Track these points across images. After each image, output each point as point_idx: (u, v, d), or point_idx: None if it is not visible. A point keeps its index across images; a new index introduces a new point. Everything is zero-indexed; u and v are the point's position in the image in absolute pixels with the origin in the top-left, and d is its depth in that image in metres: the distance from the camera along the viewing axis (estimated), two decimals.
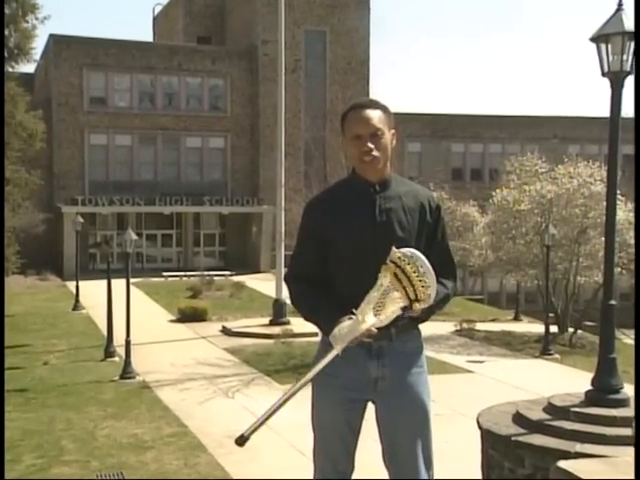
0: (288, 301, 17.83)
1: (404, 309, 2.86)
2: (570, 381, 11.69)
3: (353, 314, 2.84)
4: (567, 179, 18.48)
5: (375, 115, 3.08)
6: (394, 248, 2.85)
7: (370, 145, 3.05)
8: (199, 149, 37.78)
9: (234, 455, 7.86)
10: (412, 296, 2.83)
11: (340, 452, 3.21)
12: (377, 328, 2.83)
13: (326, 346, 3.08)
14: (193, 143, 37.56)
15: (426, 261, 2.85)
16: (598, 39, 6.14)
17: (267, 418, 2.62)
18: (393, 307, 2.83)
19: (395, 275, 2.83)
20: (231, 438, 9.46)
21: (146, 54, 36.64)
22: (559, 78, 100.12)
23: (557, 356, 15.28)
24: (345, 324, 2.82)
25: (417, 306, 2.86)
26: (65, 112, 35.26)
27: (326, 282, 3.12)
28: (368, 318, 2.80)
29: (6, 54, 20.61)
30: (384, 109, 3.13)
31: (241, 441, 2.60)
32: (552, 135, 40.63)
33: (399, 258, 2.83)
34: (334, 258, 3.11)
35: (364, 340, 3.03)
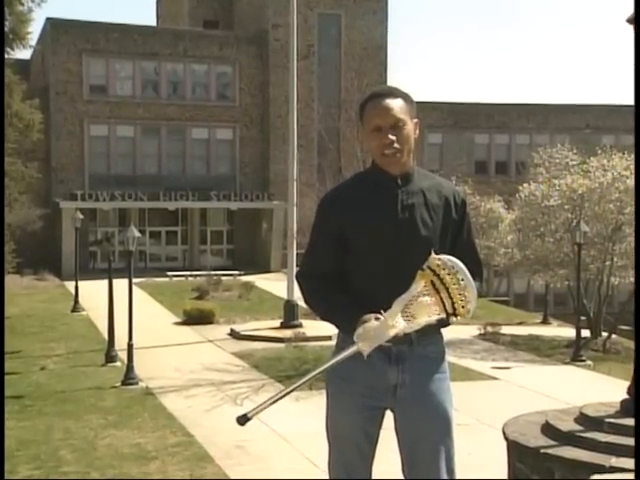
0: (300, 302, 17.84)
1: (439, 321, 2.85)
2: (604, 389, 11.62)
3: (380, 314, 2.81)
4: (600, 172, 18.36)
5: (396, 104, 3.06)
6: (433, 254, 2.81)
7: (391, 137, 3.03)
8: (206, 141, 37.87)
9: (243, 466, 7.88)
10: (450, 310, 2.80)
11: (357, 463, 3.20)
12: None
13: (341, 350, 3.06)
14: (199, 134, 37.64)
15: (468, 274, 2.80)
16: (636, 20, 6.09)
17: (276, 400, 2.63)
18: (427, 317, 2.80)
19: (432, 284, 2.79)
20: (240, 448, 9.49)
21: (149, 39, 36.75)
22: (592, 63, 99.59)
23: (589, 362, 15.19)
24: (372, 325, 2.79)
25: (453, 320, 2.84)
26: (63, 101, 35.44)
27: (342, 281, 3.11)
28: (398, 323, 2.78)
29: None
30: (405, 97, 3.11)
31: (243, 420, 2.60)
32: (584, 125, 40.41)
33: (438, 266, 2.79)
34: (352, 257, 3.10)
35: (383, 345, 3.02)
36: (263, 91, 37.83)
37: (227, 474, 7.84)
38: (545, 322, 22.50)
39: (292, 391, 2.65)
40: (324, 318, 3.13)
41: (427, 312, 2.80)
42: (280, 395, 2.64)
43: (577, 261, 16.17)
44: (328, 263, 3.12)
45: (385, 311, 2.80)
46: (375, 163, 3.16)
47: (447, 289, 2.78)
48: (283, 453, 8.15)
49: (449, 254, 3.12)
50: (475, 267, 3.20)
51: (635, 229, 6.75)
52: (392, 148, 3.04)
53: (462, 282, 2.79)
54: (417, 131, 3.14)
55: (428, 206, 3.11)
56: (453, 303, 2.79)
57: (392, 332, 2.77)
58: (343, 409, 3.17)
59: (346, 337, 3.09)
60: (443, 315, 2.81)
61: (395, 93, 3.11)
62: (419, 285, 2.79)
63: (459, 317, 2.83)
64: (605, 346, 17.30)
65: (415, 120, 3.13)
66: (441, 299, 2.79)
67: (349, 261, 3.11)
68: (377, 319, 2.80)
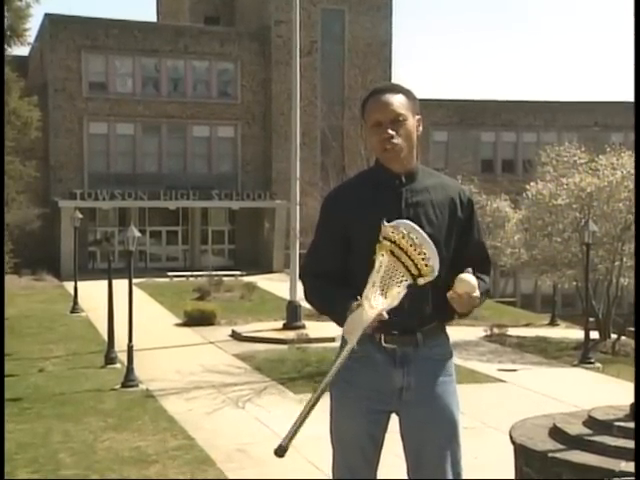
0: (303, 303, 17.86)
1: (409, 287, 2.85)
2: (613, 392, 11.60)
3: (357, 299, 2.83)
4: (609, 171, 18.34)
5: (396, 100, 3.07)
6: (384, 222, 2.84)
7: (391, 132, 3.03)
8: (207, 139, 37.89)
9: (244, 470, 7.88)
10: (414, 272, 2.82)
11: (361, 467, 3.20)
12: (391, 333, 2.82)
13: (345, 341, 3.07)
14: (200, 132, 37.67)
15: (420, 231, 2.83)
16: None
17: (300, 424, 2.64)
18: (398, 288, 2.82)
19: (392, 253, 2.81)
20: (242, 452, 9.51)
21: (149, 36, 36.78)
22: (601, 60, 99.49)
23: (598, 365, 15.17)
24: (354, 315, 2.80)
25: (421, 281, 2.85)
26: (62, 98, 35.47)
27: (345, 279, 3.11)
28: (376, 302, 2.78)
29: None
30: (407, 93, 3.12)
31: (281, 452, 2.61)
32: (593, 122, 40.35)
33: (392, 233, 2.82)
34: (355, 256, 3.10)
35: (387, 346, 3.02)
36: (265, 88, 37.84)
37: (229, 478, 7.84)
38: (553, 323, 22.47)
39: (312, 409, 2.67)
40: (322, 312, 3.15)
41: (396, 282, 2.81)
42: (305, 412, 2.65)
43: (585, 261, 16.14)
44: (331, 262, 3.13)
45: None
46: (378, 161, 3.17)
47: (405, 252, 2.81)
48: (286, 457, 8.14)
49: (457, 253, 3.13)
50: (484, 266, 3.21)
51: (635, 229, 6.79)
52: (392, 143, 3.04)
53: (417, 240, 2.81)
54: (420, 128, 3.15)
55: (433, 204, 3.11)
56: (416, 264, 2.81)
57: (372, 313, 2.77)
58: (347, 413, 3.16)
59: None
60: (410, 280, 2.81)
61: (396, 89, 3.13)
62: (383, 259, 2.80)
63: (426, 277, 2.83)
64: (614, 348, 17.27)
65: (418, 117, 3.13)
66: (403, 264, 2.81)
67: (353, 260, 3.11)
68: (359, 304, 2.81)
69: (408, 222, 2.84)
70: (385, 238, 2.82)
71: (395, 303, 2.82)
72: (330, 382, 2.76)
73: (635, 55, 5.82)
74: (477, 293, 2.92)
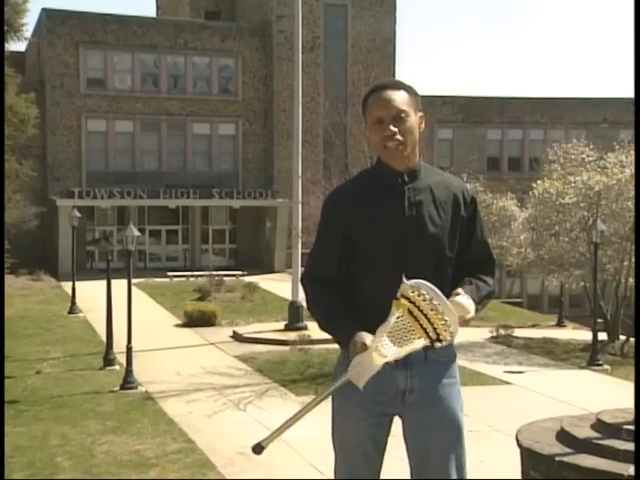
0: (305, 304, 17.83)
1: (425, 348, 2.85)
2: (622, 395, 11.56)
3: (371, 335, 2.82)
4: (618, 168, 18.30)
5: (398, 96, 3.07)
6: (405, 280, 2.79)
7: (392, 128, 3.03)
8: (207, 136, 37.89)
9: (246, 474, 7.89)
10: (433, 336, 2.80)
11: (363, 471, 3.20)
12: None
13: (347, 359, 3.07)
14: (201, 130, 37.67)
15: (443, 297, 2.79)
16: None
17: (284, 429, 2.64)
18: (412, 345, 2.81)
19: (410, 313, 2.79)
20: (243, 455, 9.52)
21: (149, 31, 36.78)
22: (609, 55, 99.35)
23: (606, 367, 15.15)
24: (363, 358, 2.80)
25: (438, 345, 2.83)
26: (60, 95, 35.49)
27: (348, 284, 3.11)
28: (385, 350, 2.78)
29: None
30: (408, 89, 3.13)
31: (259, 449, 2.61)
32: (601, 119, 40.30)
33: (412, 293, 2.78)
34: (358, 256, 3.10)
35: None
36: (267, 85, 37.83)
37: None
38: (560, 325, 22.44)
39: (301, 417, 2.68)
40: (323, 329, 3.14)
41: (411, 338, 2.80)
42: (290, 422, 2.66)
43: (594, 261, 16.12)
44: (333, 264, 3.12)
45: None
46: (380, 159, 3.17)
47: (425, 315, 2.78)
48: (287, 460, 8.15)
49: (460, 253, 3.13)
50: (488, 266, 3.21)
51: (635, 229, 6.78)
52: (394, 140, 3.04)
53: (440, 307, 2.78)
54: (423, 125, 3.15)
55: (436, 203, 3.11)
56: (435, 329, 2.79)
57: (381, 362, 2.78)
58: (349, 415, 3.17)
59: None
60: (427, 342, 2.81)
61: (398, 85, 3.13)
62: (397, 313, 2.79)
63: (443, 342, 2.82)
64: (623, 350, 17.24)
65: (420, 114, 3.13)
66: (421, 326, 2.79)
67: (355, 261, 3.11)
68: (363, 347, 2.80)
69: (430, 285, 2.79)
70: (404, 296, 2.79)
71: (404, 355, 2.82)
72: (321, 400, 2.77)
73: (635, 55, 5.82)
74: (471, 315, 2.91)
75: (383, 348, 2.78)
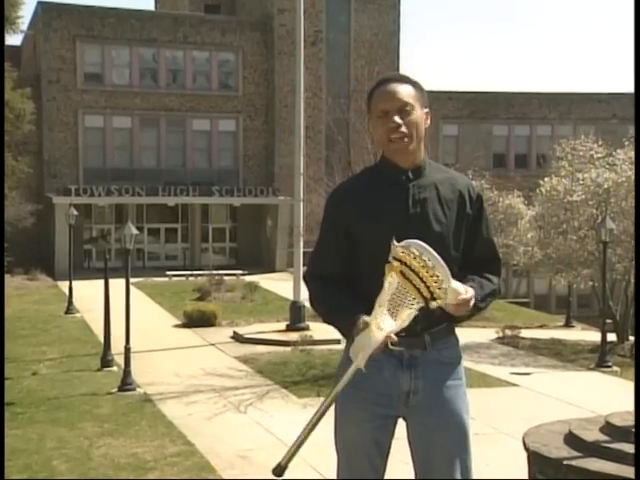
0: (307, 304, 17.85)
1: (420, 310, 2.85)
2: (631, 397, 11.56)
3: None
4: (628, 165, 18.28)
5: (403, 89, 3.08)
6: (394, 242, 2.82)
7: (397, 120, 3.03)
8: (207, 132, 37.91)
9: (246, 477, 7.88)
10: (426, 294, 2.82)
11: (367, 475, 3.20)
12: (398, 334, 2.82)
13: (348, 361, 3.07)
14: (200, 126, 37.69)
15: (433, 251, 2.81)
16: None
17: (302, 441, 2.64)
18: (408, 310, 2.82)
19: (402, 274, 2.81)
20: (243, 458, 9.51)
21: (147, 25, 36.81)
22: (619, 50, 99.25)
23: (616, 368, 15.14)
24: (361, 336, 2.80)
25: (434, 304, 2.84)
26: (56, 90, 35.52)
27: (351, 282, 3.12)
28: (385, 324, 2.78)
29: None
30: (415, 84, 3.14)
31: (279, 471, 2.62)
32: (610, 115, 40.25)
33: (403, 253, 2.81)
34: (361, 255, 3.11)
35: (393, 348, 3.02)
36: (268, 80, 37.84)
37: None
38: (568, 325, 22.43)
39: (315, 425, 2.67)
40: (326, 321, 3.15)
41: (407, 304, 2.81)
42: (306, 432, 2.65)
43: (602, 260, 16.11)
44: (337, 263, 3.13)
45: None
46: (385, 156, 3.17)
47: (417, 274, 2.80)
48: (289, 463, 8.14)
49: (465, 251, 3.13)
50: (493, 265, 3.21)
51: (635, 229, 6.79)
52: (399, 133, 3.04)
53: (429, 262, 2.80)
54: (428, 121, 3.15)
55: (441, 201, 3.12)
56: (428, 287, 2.80)
57: (381, 335, 2.77)
58: (352, 418, 3.17)
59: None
60: (422, 302, 2.81)
61: (403, 79, 3.14)
62: (390, 279, 2.80)
63: (438, 300, 2.83)
64: (632, 351, 17.24)
65: (426, 110, 3.14)
66: (414, 286, 2.80)
67: (358, 260, 3.11)
68: (365, 324, 2.80)
69: (419, 242, 2.82)
70: (395, 258, 2.81)
71: (404, 325, 2.82)
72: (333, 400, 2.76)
73: (635, 53, 5.81)
74: (467, 296, 2.89)
75: (382, 322, 2.79)
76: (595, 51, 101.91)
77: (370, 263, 3.08)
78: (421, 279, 2.80)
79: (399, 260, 2.81)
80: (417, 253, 2.80)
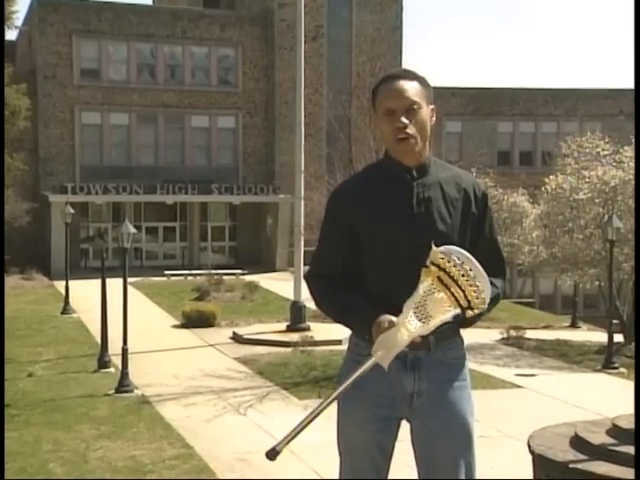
0: (308, 304, 17.86)
1: (455, 317, 2.86)
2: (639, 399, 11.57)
3: (395, 316, 2.82)
4: (635, 162, 18.28)
5: (411, 86, 3.07)
6: (434, 247, 2.82)
7: (405, 120, 3.03)
8: (206, 129, 37.91)
9: None
10: (464, 303, 2.82)
11: (369, 477, 3.20)
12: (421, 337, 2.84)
13: (355, 355, 3.07)
14: (199, 122, 37.69)
15: (475, 261, 2.82)
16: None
17: (300, 430, 2.62)
18: (441, 316, 2.82)
19: (440, 280, 2.80)
20: (243, 461, 9.51)
21: (145, 19, 36.81)
22: (625, 45, 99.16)
23: (623, 370, 15.14)
24: (387, 334, 2.80)
25: (470, 313, 2.85)
26: (52, 86, 35.53)
27: (354, 281, 3.12)
28: (411, 325, 2.79)
29: None
30: (421, 80, 3.12)
31: (273, 455, 2.60)
32: (617, 111, 40.23)
33: (442, 259, 2.80)
34: (364, 255, 3.10)
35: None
36: (268, 76, 37.83)
37: None
38: (574, 326, 22.44)
39: (317, 415, 2.66)
40: (337, 320, 3.15)
41: (441, 309, 2.82)
42: (306, 422, 2.64)
43: (609, 259, 16.11)
44: (339, 262, 3.13)
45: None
46: (388, 154, 3.17)
47: (456, 282, 2.80)
48: (290, 466, 8.15)
49: (469, 251, 3.13)
50: (497, 265, 3.20)
51: (635, 228, 6.79)
52: (405, 133, 3.03)
53: (471, 272, 2.80)
54: (434, 118, 3.15)
55: (446, 199, 3.12)
56: (466, 296, 2.81)
57: (409, 337, 2.78)
58: (355, 419, 3.17)
59: (359, 341, 3.10)
60: (458, 310, 2.81)
61: (410, 75, 3.12)
62: (425, 284, 2.80)
63: (475, 310, 2.83)
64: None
65: (431, 106, 3.13)
66: (452, 294, 2.80)
67: (362, 259, 3.11)
68: (391, 323, 2.80)
69: (461, 250, 2.83)
70: (433, 263, 2.81)
71: (432, 329, 2.83)
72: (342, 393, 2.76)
73: (635, 53, 5.81)
74: (484, 309, 2.91)
75: (410, 324, 2.78)
76: (602, 46, 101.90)
77: (373, 263, 3.08)
78: (460, 287, 2.80)
79: (437, 265, 2.80)
80: (458, 261, 2.80)
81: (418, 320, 2.80)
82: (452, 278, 2.80)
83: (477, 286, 2.81)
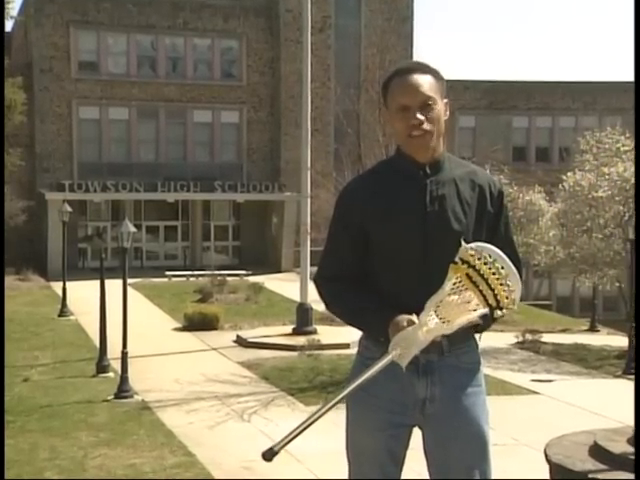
0: (314, 306, 17.87)
1: (483, 317, 2.85)
2: None
3: (413, 316, 2.82)
4: None
5: (425, 81, 3.06)
6: (464, 244, 2.82)
7: (420, 117, 3.03)
8: (209, 125, 37.97)
9: None
10: (493, 302, 2.81)
11: None
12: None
13: (365, 359, 3.07)
14: (202, 117, 37.75)
15: (507, 259, 2.83)
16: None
17: (303, 429, 2.62)
18: (468, 315, 2.81)
19: (468, 277, 2.80)
20: (247, 469, 9.53)
21: (145, 10, 36.87)
22: None
23: None
24: (407, 331, 2.80)
25: (499, 313, 2.85)
26: (49, 79, 35.62)
27: (365, 281, 3.12)
28: (433, 325, 2.78)
29: None
30: (435, 74, 3.12)
31: (270, 455, 2.60)
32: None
33: (472, 256, 2.80)
34: (376, 255, 3.10)
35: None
36: (273, 69, 37.86)
37: None
38: (593, 329, 22.41)
39: (322, 415, 2.65)
40: (350, 322, 3.15)
41: (466, 309, 2.81)
42: (309, 421, 2.63)
43: (633, 260, 16.08)
44: (349, 264, 3.13)
45: (417, 313, 2.81)
46: (400, 150, 3.16)
47: (486, 280, 2.79)
48: (295, 475, 8.15)
49: None
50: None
51: (635, 228, 6.77)
52: (420, 129, 3.03)
53: (502, 270, 2.80)
54: (447, 113, 3.15)
55: (460, 197, 3.11)
56: (495, 295, 2.80)
57: (430, 336, 2.79)
58: (365, 426, 3.17)
59: (369, 344, 3.10)
60: (486, 310, 2.81)
61: (423, 68, 3.12)
62: (452, 281, 2.80)
63: (505, 310, 2.83)
64: None
65: (445, 100, 3.13)
66: (481, 292, 2.80)
67: (373, 260, 3.11)
68: (410, 322, 2.80)
69: (493, 248, 2.83)
70: (462, 260, 2.81)
71: (456, 328, 2.83)
72: (350, 394, 2.75)
73: (635, 52, 5.80)
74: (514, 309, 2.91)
75: (431, 322, 2.78)
76: (621, 37, 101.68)
77: (384, 264, 3.08)
78: (489, 286, 2.79)
79: (467, 262, 2.80)
80: (490, 259, 2.80)
81: (440, 319, 2.80)
82: (482, 276, 2.79)
83: (508, 285, 2.81)
